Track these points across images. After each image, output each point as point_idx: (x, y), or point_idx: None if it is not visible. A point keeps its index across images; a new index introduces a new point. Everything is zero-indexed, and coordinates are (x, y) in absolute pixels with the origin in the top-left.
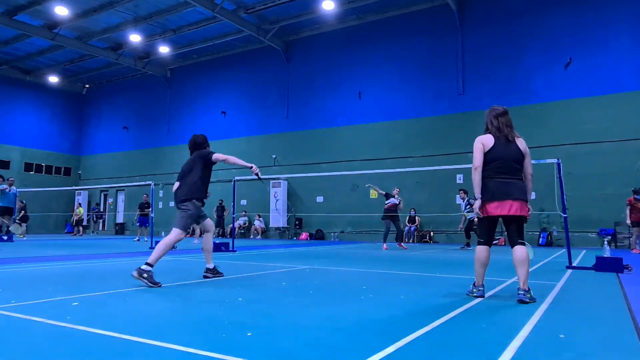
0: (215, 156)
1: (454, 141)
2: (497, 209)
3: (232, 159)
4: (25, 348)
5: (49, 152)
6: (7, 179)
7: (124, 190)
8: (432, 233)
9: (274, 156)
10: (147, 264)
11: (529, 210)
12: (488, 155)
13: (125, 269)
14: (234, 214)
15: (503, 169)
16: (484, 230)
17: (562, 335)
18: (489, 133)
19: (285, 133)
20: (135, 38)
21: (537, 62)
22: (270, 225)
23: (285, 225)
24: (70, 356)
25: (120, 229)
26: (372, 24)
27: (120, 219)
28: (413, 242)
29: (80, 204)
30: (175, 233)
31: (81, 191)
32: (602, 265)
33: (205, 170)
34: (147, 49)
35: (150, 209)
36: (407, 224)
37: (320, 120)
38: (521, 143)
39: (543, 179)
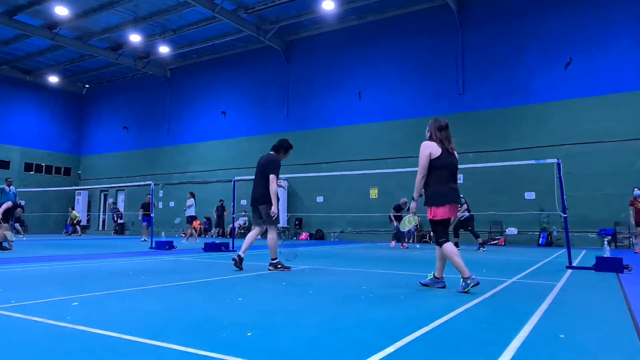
0: (272, 179)
1: (454, 141)
2: (449, 212)
3: (274, 193)
4: (25, 348)
5: (49, 152)
6: (6, 179)
7: (124, 190)
8: (432, 233)
9: None
10: (273, 259)
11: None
12: (437, 162)
13: (125, 269)
14: (234, 214)
15: (451, 176)
16: (443, 231)
17: (562, 335)
18: (433, 141)
19: (285, 133)
20: (135, 38)
21: (537, 62)
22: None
23: (285, 225)
24: (70, 356)
25: (120, 229)
26: (372, 24)
27: (120, 219)
28: (413, 242)
29: (73, 208)
30: (274, 230)
31: (81, 191)
32: (602, 265)
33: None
34: (147, 49)
35: (150, 210)
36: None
37: (320, 120)
38: (455, 153)
39: (543, 179)
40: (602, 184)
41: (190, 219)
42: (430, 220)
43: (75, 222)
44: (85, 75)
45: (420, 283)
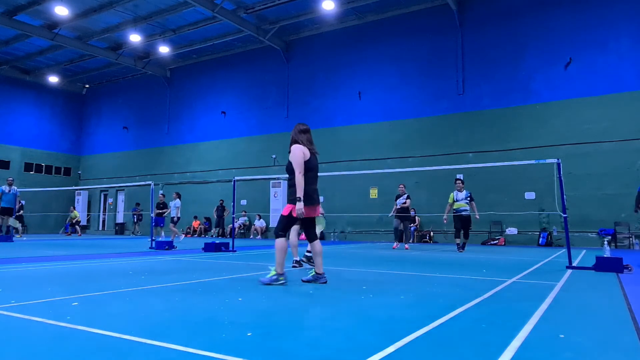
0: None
1: (454, 141)
2: (311, 211)
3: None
4: (25, 348)
5: (49, 152)
6: (6, 180)
7: (123, 190)
8: (432, 233)
9: (274, 156)
10: (308, 251)
11: None
12: (307, 165)
13: (125, 269)
14: (234, 214)
15: (314, 178)
16: (288, 226)
17: (562, 335)
18: (301, 144)
19: (285, 133)
20: (135, 38)
21: (537, 62)
22: (270, 225)
23: None
24: (70, 356)
25: (120, 229)
26: (372, 24)
27: (120, 219)
28: (413, 242)
29: (74, 208)
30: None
31: (81, 191)
32: (602, 265)
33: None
34: (147, 49)
35: (154, 210)
36: None
37: (320, 120)
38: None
39: (543, 179)
40: (602, 184)
41: (177, 220)
42: (286, 216)
43: (74, 222)
44: (85, 75)
45: (302, 280)
